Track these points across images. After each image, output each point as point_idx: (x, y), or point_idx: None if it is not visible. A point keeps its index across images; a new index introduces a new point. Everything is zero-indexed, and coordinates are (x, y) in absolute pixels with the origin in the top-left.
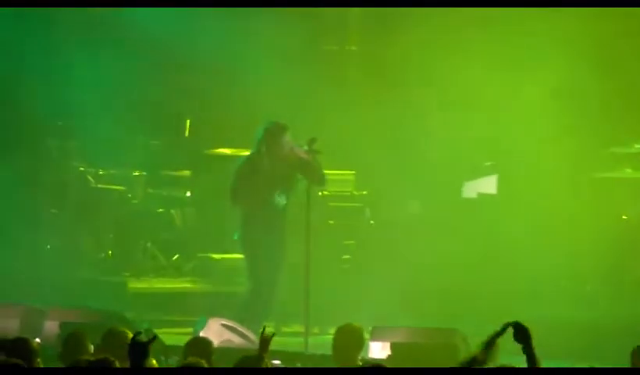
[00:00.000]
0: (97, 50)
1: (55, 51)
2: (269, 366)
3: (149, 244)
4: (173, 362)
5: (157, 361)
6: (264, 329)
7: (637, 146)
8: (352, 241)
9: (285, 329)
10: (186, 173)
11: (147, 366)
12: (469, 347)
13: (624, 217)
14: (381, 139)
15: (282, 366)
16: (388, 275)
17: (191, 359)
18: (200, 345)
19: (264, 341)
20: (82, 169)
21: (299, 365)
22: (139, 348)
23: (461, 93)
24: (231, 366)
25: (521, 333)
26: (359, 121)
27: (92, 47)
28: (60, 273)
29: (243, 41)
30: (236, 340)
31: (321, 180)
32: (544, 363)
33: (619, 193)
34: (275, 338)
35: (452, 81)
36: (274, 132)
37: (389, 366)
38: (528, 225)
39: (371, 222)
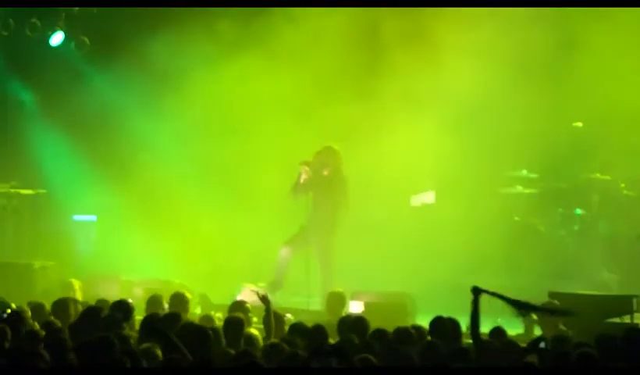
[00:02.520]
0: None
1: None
2: (279, 317)
3: None
4: (220, 314)
5: (209, 314)
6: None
7: (524, 171)
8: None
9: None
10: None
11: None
12: (414, 305)
13: (515, 218)
14: (357, 167)
15: (293, 317)
16: (363, 257)
17: (232, 315)
18: (239, 306)
19: (263, 300)
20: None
21: (303, 317)
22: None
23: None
24: (259, 317)
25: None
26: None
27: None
28: (144, 257)
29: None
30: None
31: None
32: (464, 317)
33: (513, 203)
34: (289, 299)
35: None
36: (321, 151)
37: (364, 317)
38: (454, 225)
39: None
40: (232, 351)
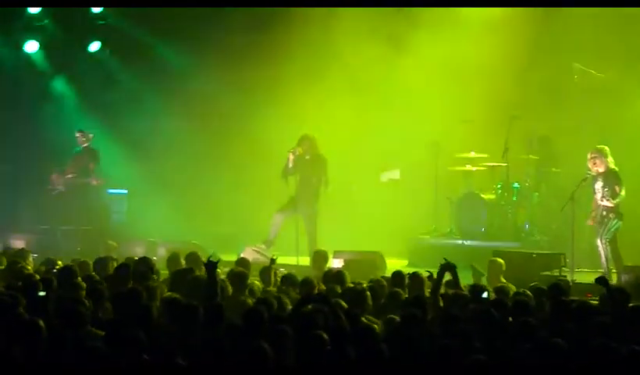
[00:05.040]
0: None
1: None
2: (278, 272)
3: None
4: (226, 269)
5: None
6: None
7: (471, 152)
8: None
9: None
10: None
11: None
12: (384, 261)
13: (465, 191)
14: (340, 152)
15: (285, 271)
16: (343, 223)
17: (237, 269)
18: (243, 262)
19: (271, 261)
20: None
21: (294, 271)
22: (211, 264)
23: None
24: (257, 271)
25: (449, 268)
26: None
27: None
28: (166, 223)
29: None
30: (261, 258)
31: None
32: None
33: (463, 178)
34: (281, 256)
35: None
36: (300, 139)
37: (343, 271)
38: (415, 197)
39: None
40: (242, 298)
